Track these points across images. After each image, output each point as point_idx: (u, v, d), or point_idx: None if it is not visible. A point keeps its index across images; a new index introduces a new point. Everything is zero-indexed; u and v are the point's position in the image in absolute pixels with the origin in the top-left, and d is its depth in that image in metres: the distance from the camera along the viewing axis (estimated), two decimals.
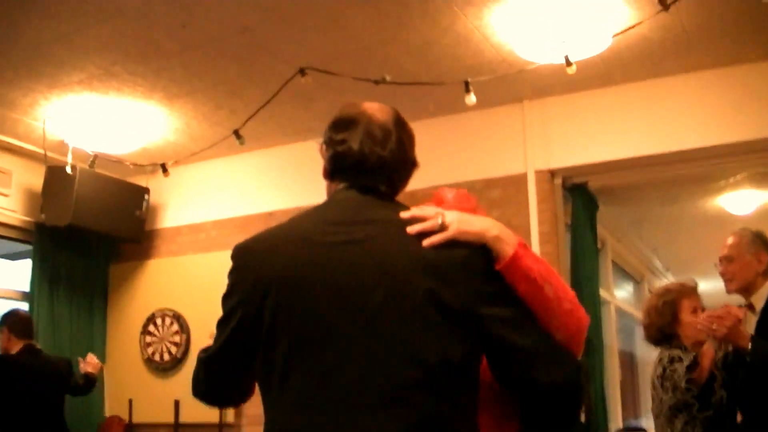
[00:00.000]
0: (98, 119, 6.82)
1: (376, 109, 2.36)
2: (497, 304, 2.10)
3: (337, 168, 2.34)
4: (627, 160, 6.57)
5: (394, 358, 2.03)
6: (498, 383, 2.20)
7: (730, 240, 4.81)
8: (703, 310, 4.69)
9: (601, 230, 7.89)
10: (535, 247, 6.53)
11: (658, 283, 13.58)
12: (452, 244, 2.12)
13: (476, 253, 2.13)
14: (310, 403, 2.07)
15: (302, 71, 5.85)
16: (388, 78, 5.83)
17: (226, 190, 7.94)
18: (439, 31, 5.53)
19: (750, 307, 4.65)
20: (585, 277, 6.84)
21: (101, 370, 6.97)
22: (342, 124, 2.34)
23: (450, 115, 6.90)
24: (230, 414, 7.46)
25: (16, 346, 6.36)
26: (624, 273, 11.32)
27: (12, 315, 6.55)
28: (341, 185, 2.33)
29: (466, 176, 6.85)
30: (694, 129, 6.28)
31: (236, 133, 6.65)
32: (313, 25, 5.45)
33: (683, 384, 4.41)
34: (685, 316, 4.70)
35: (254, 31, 5.48)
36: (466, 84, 5.94)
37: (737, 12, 5.42)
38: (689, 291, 4.82)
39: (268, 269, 2.18)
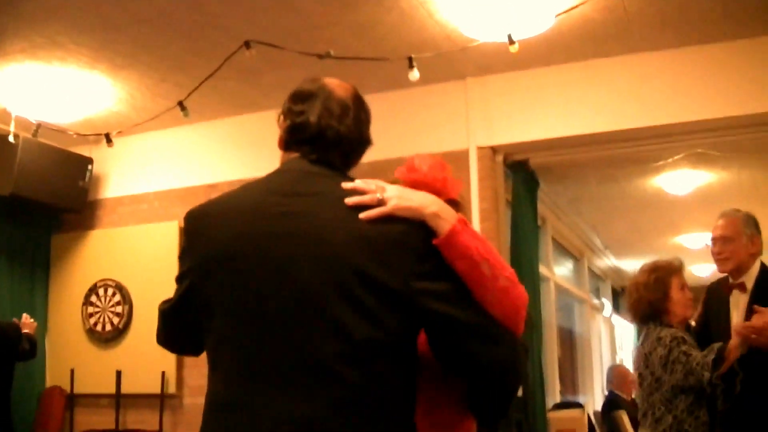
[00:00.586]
0: (41, 88, 6.76)
1: (336, 84, 2.39)
2: (433, 280, 2.11)
3: (293, 139, 2.36)
4: (568, 138, 6.67)
5: (318, 333, 2.05)
6: (438, 361, 2.21)
7: (721, 221, 4.95)
8: (687, 287, 4.84)
9: (541, 208, 8.01)
10: (476, 223, 6.60)
11: (598, 261, 13.77)
12: (390, 219, 2.13)
13: (413, 229, 2.13)
14: (237, 376, 2.11)
15: (247, 44, 5.86)
16: (332, 53, 5.85)
17: (169, 161, 7.93)
18: (384, 9, 5.57)
19: (740, 286, 4.83)
20: (525, 254, 6.93)
21: (38, 331, 6.89)
22: (301, 97, 2.37)
23: (393, 91, 6.91)
24: (171, 385, 7.48)
25: None
26: (564, 250, 11.46)
27: None
28: (294, 155, 2.35)
29: (408, 151, 6.69)
30: (634, 109, 6.39)
31: (180, 104, 6.64)
32: (260, 3, 5.47)
33: (706, 374, 4.38)
34: (675, 294, 4.76)
35: (202, 6, 5.48)
36: (410, 60, 5.97)
37: None
38: (677, 268, 4.88)
39: (213, 241, 2.22)
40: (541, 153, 7.03)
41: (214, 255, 2.20)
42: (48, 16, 5.60)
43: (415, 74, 5.99)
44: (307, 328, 2.05)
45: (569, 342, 12.51)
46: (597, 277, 14.56)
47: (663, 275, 4.82)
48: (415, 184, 2.40)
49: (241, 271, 2.14)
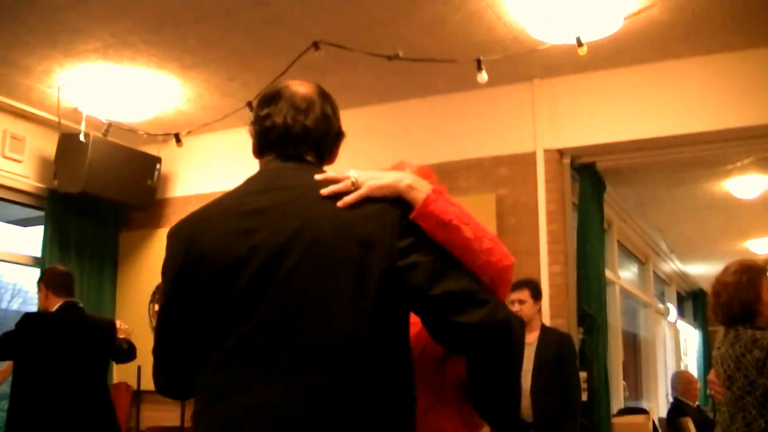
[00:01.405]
0: (112, 87, 6.88)
1: (297, 83, 2.41)
2: (416, 254, 2.10)
3: (263, 143, 2.38)
4: (635, 142, 6.63)
5: (303, 322, 2.07)
6: (432, 337, 2.20)
7: None
8: None
9: (607, 211, 7.94)
10: (542, 225, 6.60)
11: (663, 265, 13.63)
12: (366, 201, 2.15)
13: (390, 206, 2.15)
14: (228, 366, 2.12)
15: (316, 45, 5.89)
16: (401, 53, 5.86)
17: (237, 161, 7.96)
18: (452, 8, 5.56)
19: None
20: (591, 257, 6.90)
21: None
22: (266, 101, 2.40)
23: (460, 92, 6.92)
24: None
25: (54, 303, 6.00)
26: (629, 254, 11.36)
27: (49, 271, 6.30)
28: (269, 158, 2.37)
29: (475, 153, 6.91)
30: (701, 112, 6.33)
31: (249, 105, 6.69)
32: (327, 1, 5.50)
33: None
34: (766, 295, 4.57)
35: (269, 3, 5.52)
36: (479, 62, 5.97)
37: None
38: (765, 270, 4.70)
39: (196, 246, 2.21)
40: (608, 156, 6.98)
41: (200, 258, 2.20)
42: (119, 15, 5.69)
43: (483, 77, 5.97)
44: (293, 318, 2.07)
45: (633, 347, 12.42)
46: (662, 281, 14.42)
47: (755, 275, 4.62)
48: None
49: (231, 267, 2.14)
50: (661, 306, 13.71)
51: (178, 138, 7.36)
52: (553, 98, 6.81)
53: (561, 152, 6.83)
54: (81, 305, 6.27)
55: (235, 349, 2.10)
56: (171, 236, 2.33)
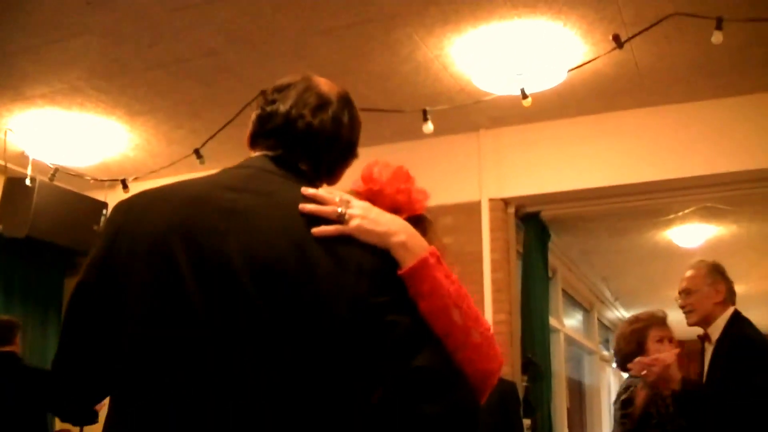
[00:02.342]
0: (60, 132, 6.86)
1: (322, 80, 2.07)
2: (390, 313, 1.73)
3: (258, 130, 2.04)
4: (579, 191, 6.73)
5: (236, 351, 1.70)
6: (385, 419, 1.74)
7: (688, 273, 4.80)
8: (671, 340, 4.67)
9: (552, 259, 8.03)
10: (487, 274, 6.64)
11: (608, 312, 13.76)
12: (346, 240, 1.78)
13: (373, 255, 1.78)
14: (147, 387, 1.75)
15: (264, 94, 5.92)
16: None
17: None
18: (400, 60, 5.65)
19: (706, 337, 4.69)
20: (535, 305, 6.97)
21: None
22: (279, 88, 2.06)
23: (407, 141, 6.94)
24: None
25: None
26: (574, 302, 11.45)
27: None
28: (258, 152, 2.02)
29: None
30: (644, 163, 6.45)
31: (197, 152, 6.71)
32: (276, 52, 5.57)
33: (619, 417, 4.48)
34: (651, 345, 4.62)
35: (219, 54, 5.58)
36: (424, 112, 6.05)
37: (689, 53, 5.59)
38: (658, 321, 4.75)
39: (139, 234, 1.85)
40: (552, 205, 7.08)
41: (137, 249, 1.82)
42: (69, 62, 5.70)
43: (429, 127, 6.05)
44: (225, 338, 1.70)
45: (579, 393, 12.47)
46: (606, 328, 14.52)
47: (641, 327, 4.72)
48: (374, 197, 2.13)
49: (166, 268, 1.77)
50: (605, 353, 13.81)
51: (125, 184, 7.34)
52: (499, 148, 6.89)
53: (506, 201, 6.90)
54: (19, 355, 6.14)
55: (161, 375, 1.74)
56: (114, 209, 1.96)
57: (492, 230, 6.77)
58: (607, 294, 12.82)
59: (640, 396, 4.44)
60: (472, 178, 6.91)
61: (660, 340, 4.65)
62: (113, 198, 7.99)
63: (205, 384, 1.69)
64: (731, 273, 4.79)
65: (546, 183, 6.76)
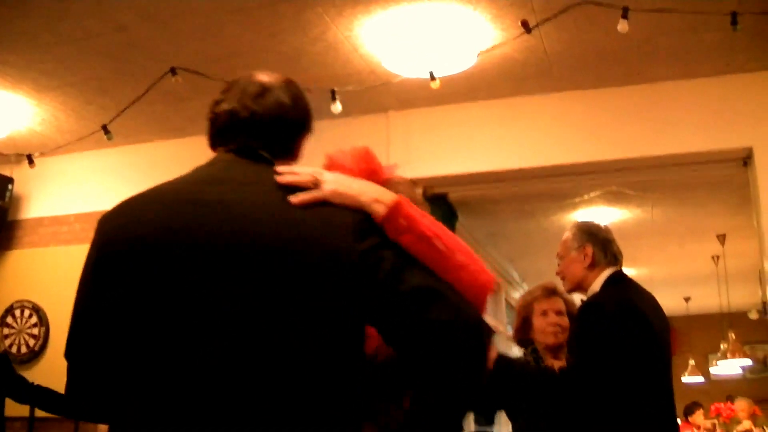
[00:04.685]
0: None
1: (263, 73, 2.24)
2: (379, 251, 1.90)
3: (212, 132, 2.19)
4: (487, 174, 6.79)
5: (234, 333, 1.83)
6: (386, 341, 1.96)
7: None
8: (559, 312, 4.58)
9: None
10: None
11: (515, 293, 13.93)
12: (323, 203, 1.94)
13: (352, 212, 1.95)
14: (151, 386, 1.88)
15: (173, 70, 5.91)
16: None
17: (92, 184, 7.88)
18: (310, 40, 5.67)
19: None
20: None
21: None
22: (224, 89, 2.22)
23: (316, 121, 6.91)
24: None
25: None
26: None
27: None
28: (220, 152, 2.16)
29: None
30: (552, 147, 6.56)
31: (104, 128, 6.67)
32: (187, 29, 5.53)
33: None
34: (536, 319, 4.60)
35: (128, 29, 5.52)
36: (333, 93, 6.10)
37: (597, 41, 5.70)
38: (544, 293, 4.67)
39: (128, 239, 1.97)
40: (460, 187, 7.15)
41: (128, 252, 1.94)
42: None
43: (337, 107, 6.10)
44: (223, 325, 1.83)
45: None
46: (514, 309, 14.69)
47: (528, 301, 4.69)
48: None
49: (166, 267, 1.90)
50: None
51: (30, 159, 7.26)
52: (407, 130, 6.95)
53: (414, 182, 6.93)
54: None
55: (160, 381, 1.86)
56: (99, 222, 2.09)
57: None
58: (515, 275, 12.98)
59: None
60: (381, 159, 6.91)
61: (544, 313, 4.61)
62: (19, 173, 7.92)
63: (214, 371, 1.82)
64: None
65: (454, 165, 6.81)
